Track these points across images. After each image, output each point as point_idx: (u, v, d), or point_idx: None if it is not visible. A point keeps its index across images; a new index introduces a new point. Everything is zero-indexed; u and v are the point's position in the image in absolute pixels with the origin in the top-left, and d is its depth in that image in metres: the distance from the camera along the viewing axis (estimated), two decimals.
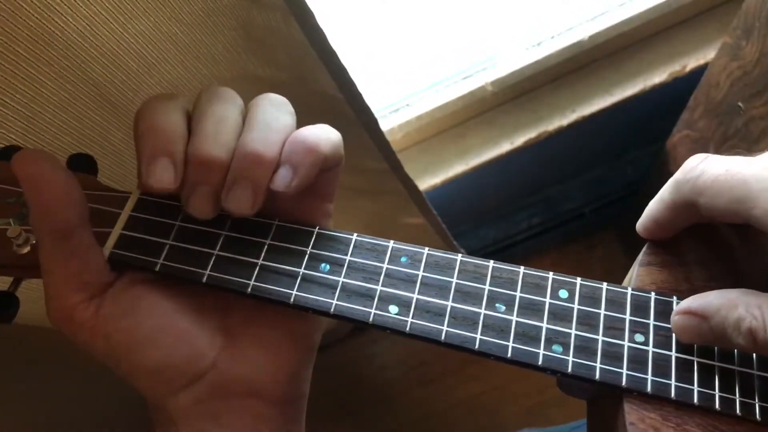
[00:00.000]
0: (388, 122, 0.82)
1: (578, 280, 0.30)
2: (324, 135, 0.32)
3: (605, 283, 0.30)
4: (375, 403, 1.17)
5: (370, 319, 0.30)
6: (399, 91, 0.83)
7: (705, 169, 0.27)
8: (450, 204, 0.89)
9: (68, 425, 0.60)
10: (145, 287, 0.32)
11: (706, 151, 0.77)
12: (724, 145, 0.73)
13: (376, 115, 0.60)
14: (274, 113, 0.32)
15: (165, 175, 0.30)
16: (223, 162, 0.30)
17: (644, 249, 0.32)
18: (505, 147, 0.85)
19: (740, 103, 0.68)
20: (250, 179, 0.30)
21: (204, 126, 0.30)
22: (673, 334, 0.28)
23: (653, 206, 0.31)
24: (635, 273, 0.31)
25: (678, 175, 0.29)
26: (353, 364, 1.18)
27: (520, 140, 0.85)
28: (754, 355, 0.28)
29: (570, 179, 1.09)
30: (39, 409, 0.56)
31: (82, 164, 0.36)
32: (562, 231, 1.16)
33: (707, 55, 0.83)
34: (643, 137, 1.03)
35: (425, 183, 0.85)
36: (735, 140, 0.71)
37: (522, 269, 0.30)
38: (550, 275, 0.30)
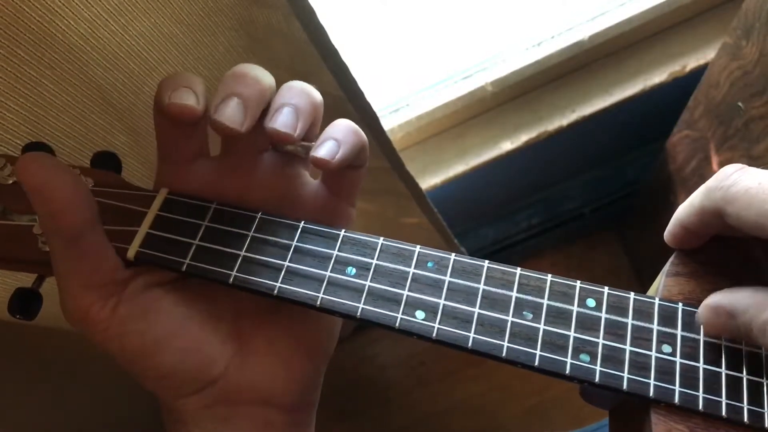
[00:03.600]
0: (388, 122, 0.82)
1: (606, 290, 0.30)
2: (360, 129, 0.33)
3: (632, 293, 0.30)
4: (375, 404, 1.17)
5: (397, 324, 0.29)
6: (399, 91, 0.83)
7: (738, 180, 0.27)
8: (450, 204, 0.89)
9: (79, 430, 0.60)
10: (160, 291, 0.31)
11: (706, 150, 0.77)
12: (724, 145, 0.73)
13: (377, 114, 0.60)
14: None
15: (189, 100, 0.30)
16: (259, 81, 0.30)
17: (671, 259, 0.31)
18: (505, 147, 0.85)
19: (740, 103, 0.68)
20: (295, 104, 0.31)
21: (240, 65, 0.31)
22: (701, 346, 0.28)
23: (682, 211, 0.30)
24: (662, 283, 0.31)
25: (711, 182, 0.28)
26: (353, 365, 1.18)
27: (520, 140, 0.85)
28: None
29: (570, 179, 1.09)
30: (50, 415, 0.56)
31: (107, 162, 0.36)
32: (562, 231, 1.16)
33: (707, 55, 0.83)
34: (643, 137, 1.03)
35: (425, 183, 0.84)
36: (735, 140, 0.71)
37: (549, 277, 0.30)
38: (578, 284, 0.30)
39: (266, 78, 0.31)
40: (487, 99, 0.84)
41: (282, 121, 0.30)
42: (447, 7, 0.82)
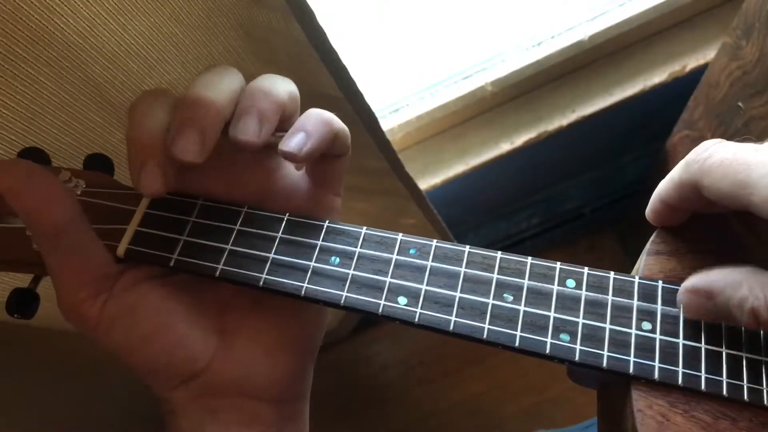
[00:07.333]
0: (388, 122, 0.82)
1: (585, 270, 0.30)
2: (336, 117, 0.32)
3: (612, 273, 0.30)
4: (375, 403, 1.17)
5: (380, 311, 0.30)
6: (399, 91, 0.83)
7: (714, 152, 0.27)
8: (450, 204, 0.89)
9: (72, 428, 0.60)
10: (147, 286, 0.32)
11: None
12: None
13: (376, 115, 0.60)
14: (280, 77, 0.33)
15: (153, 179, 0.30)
16: (215, 104, 0.29)
17: (652, 238, 0.32)
18: (505, 147, 0.85)
19: (740, 103, 0.68)
20: (257, 109, 0.30)
21: (200, 78, 0.30)
22: (681, 322, 0.29)
23: (662, 186, 0.31)
24: (643, 262, 0.31)
25: (689, 155, 0.29)
26: (353, 364, 1.18)
27: (520, 140, 0.85)
28: (762, 341, 0.28)
29: (570, 179, 1.09)
30: (41, 412, 0.56)
31: (99, 164, 0.37)
32: (562, 231, 1.16)
33: (707, 55, 0.83)
34: (643, 137, 1.03)
35: (425, 183, 0.85)
36: (735, 140, 0.71)
37: (530, 259, 0.31)
38: (558, 265, 0.31)
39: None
40: (486, 99, 0.84)
41: (242, 128, 0.30)
42: (447, 8, 0.82)
